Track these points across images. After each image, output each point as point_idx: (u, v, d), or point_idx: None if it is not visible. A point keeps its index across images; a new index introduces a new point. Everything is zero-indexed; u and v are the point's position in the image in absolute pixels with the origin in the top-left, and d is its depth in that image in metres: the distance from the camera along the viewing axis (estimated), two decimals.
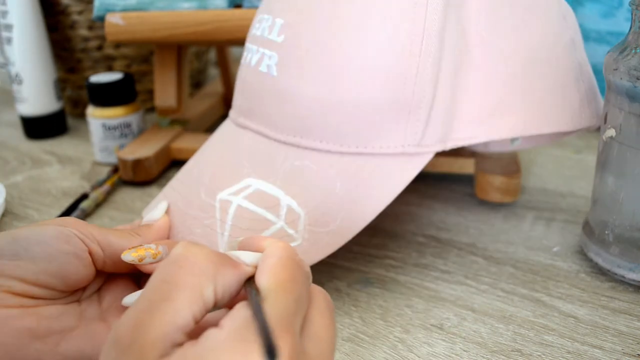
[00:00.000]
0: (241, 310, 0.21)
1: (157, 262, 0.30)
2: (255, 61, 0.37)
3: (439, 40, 0.33)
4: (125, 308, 0.30)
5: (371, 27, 0.33)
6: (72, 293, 0.29)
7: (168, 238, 0.35)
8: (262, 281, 0.23)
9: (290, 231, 0.33)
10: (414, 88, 0.33)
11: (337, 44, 0.34)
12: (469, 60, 0.35)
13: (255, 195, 0.34)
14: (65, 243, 0.28)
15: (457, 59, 0.34)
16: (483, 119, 0.35)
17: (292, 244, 0.32)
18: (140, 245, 0.30)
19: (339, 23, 0.34)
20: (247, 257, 0.25)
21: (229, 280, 0.23)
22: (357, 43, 0.33)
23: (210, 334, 0.20)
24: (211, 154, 0.39)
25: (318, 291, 0.24)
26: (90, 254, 0.29)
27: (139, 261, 0.30)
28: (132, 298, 0.29)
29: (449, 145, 0.35)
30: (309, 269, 0.25)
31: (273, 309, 0.21)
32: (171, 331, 0.20)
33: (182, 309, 0.21)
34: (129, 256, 0.30)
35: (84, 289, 0.30)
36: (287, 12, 0.36)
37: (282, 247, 0.25)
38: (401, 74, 0.33)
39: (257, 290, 0.22)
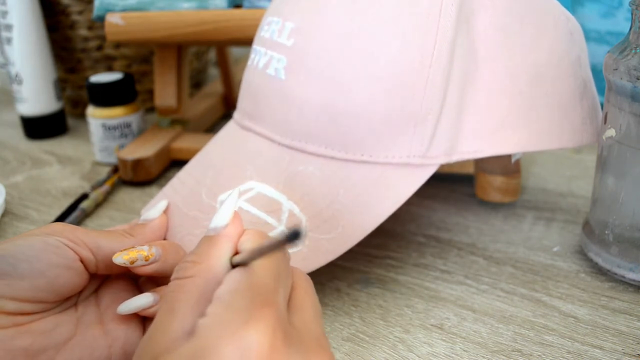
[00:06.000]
0: (220, 296, 0.22)
1: (150, 264, 0.29)
2: (262, 64, 0.37)
3: (449, 53, 0.33)
4: (120, 316, 0.29)
5: (383, 37, 0.33)
6: (68, 299, 0.29)
7: (165, 238, 0.34)
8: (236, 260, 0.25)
9: None
10: (423, 100, 0.33)
11: (348, 52, 0.33)
12: (476, 74, 0.35)
13: (257, 198, 0.34)
14: (54, 255, 0.27)
15: (465, 72, 0.34)
16: (488, 133, 0.35)
17: (292, 250, 0.32)
18: (132, 247, 0.29)
19: (350, 31, 0.34)
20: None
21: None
22: (367, 52, 0.33)
23: (199, 326, 0.21)
24: (214, 155, 0.38)
25: (298, 272, 0.26)
26: (82, 261, 0.28)
27: (131, 264, 0.29)
28: (127, 306, 0.28)
29: (454, 158, 0.35)
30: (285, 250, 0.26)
31: (251, 286, 0.22)
32: None
33: None
34: (120, 259, 0.29)
35: (80, 292, 0.29)
36: (297, 15, 0.35)
37: (255, 232, 0.26)
38: (410, 86, 0.33)
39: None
